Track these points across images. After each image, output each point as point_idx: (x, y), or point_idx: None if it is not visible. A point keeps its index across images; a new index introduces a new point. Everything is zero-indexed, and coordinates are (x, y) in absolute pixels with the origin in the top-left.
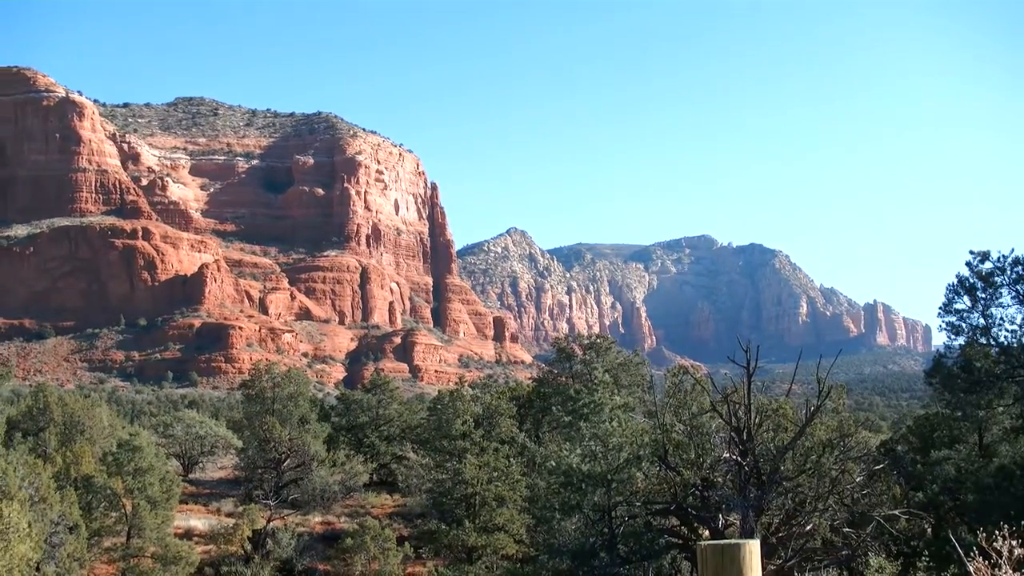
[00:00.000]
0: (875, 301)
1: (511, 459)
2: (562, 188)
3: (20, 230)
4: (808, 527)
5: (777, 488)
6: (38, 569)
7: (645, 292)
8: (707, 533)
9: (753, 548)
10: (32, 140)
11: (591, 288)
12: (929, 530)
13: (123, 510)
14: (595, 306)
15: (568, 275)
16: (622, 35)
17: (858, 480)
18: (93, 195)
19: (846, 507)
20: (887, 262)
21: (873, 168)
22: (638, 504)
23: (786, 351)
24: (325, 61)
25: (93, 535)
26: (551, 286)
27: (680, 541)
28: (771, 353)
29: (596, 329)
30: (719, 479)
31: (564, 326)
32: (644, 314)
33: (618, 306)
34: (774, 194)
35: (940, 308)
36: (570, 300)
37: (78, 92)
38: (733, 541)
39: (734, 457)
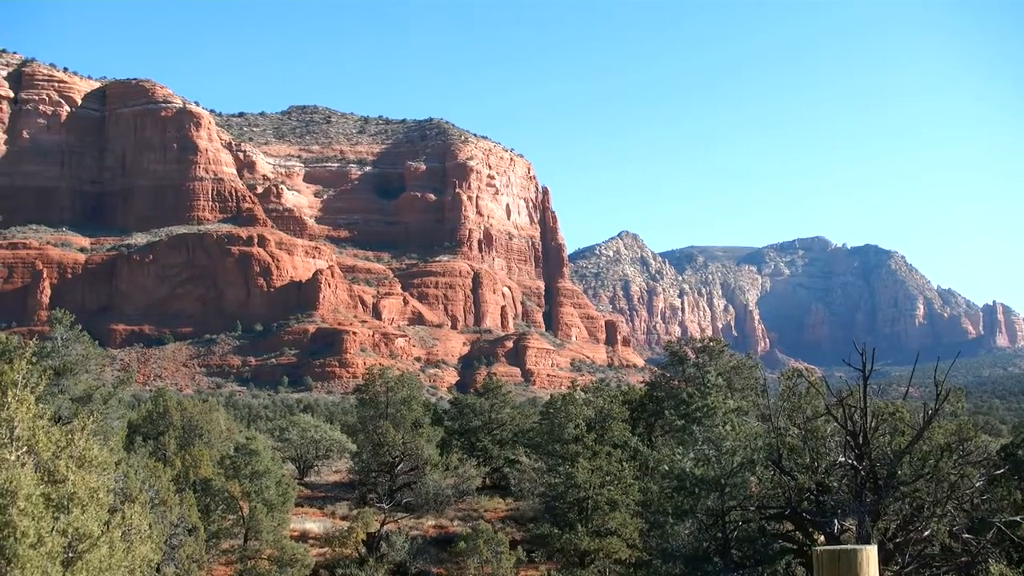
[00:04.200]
0: (994, 302)
1: (624, 463)
2: (674, 191)
3: (140, 238)
4: (926, 533)
5: (894, 493)
6: (158, 570)
7: (758, 294)
8: (822, 538)
9: (870, 554)
10: (151, 150)
11: (703, 291)
12: None
13: (240, 513)
14: (707, 309)
15: (680, 278)
16: (731, 36)
17: (978, 485)
18: (210, 203)
19: (965, 513)
20: (1007, 262)
21: (991, 165)
22: (752, 509)
23: (902, 354)
24: (436, 68)
25: (211, 537)
26: (663, 289)
27: (795, 546)
28: (887, 356)
29: (708, 332)
30: (834, 484)
31: (676, 329)
32: (757, 317)
33: (731, 309)
34: (889, 194)
35: None
36: (682, 303)
37: (195, 103)
38: (850, 547)
39: (850, 461)
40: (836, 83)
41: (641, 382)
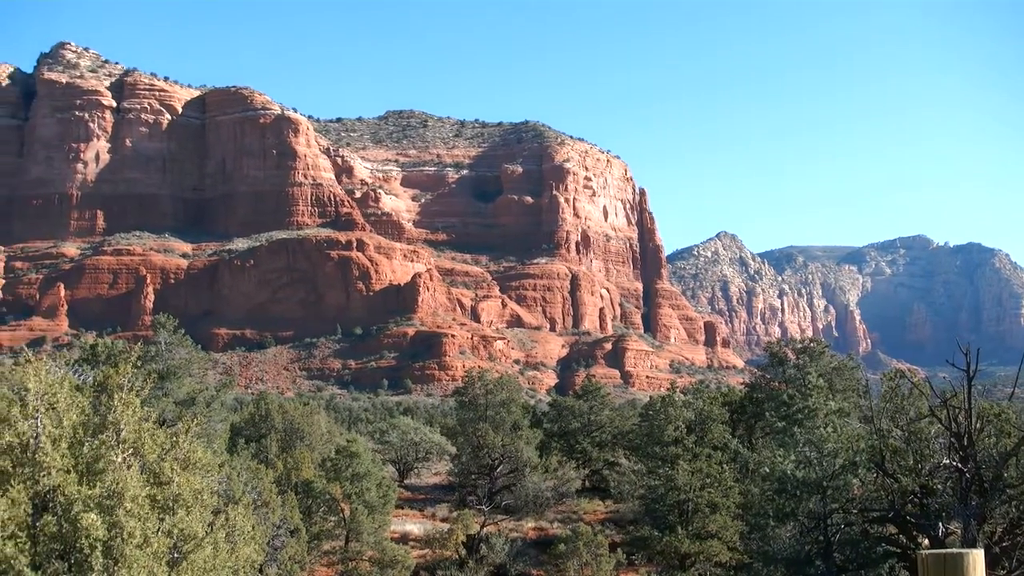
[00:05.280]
0: None
1: (724, 465)
2: (772, 190)
3: (241, 243)
4: None
5: (1000, 496)
6: (261, 571)
7: (859, 294)
8: (927, 542)
9: (977, 558)
10: (251, 156)
11: (803, 291)
12: None
13: (341, 514)
14: (807, 309)
15: (779, 278)
16: (836, 36)
17: None
18: (309, 208)
19: None
20: None
21: None
22: (854, 511)
23: (1008, 353)
24: (531, 71)
25: (313, 538)
26: (762, 290)
27: (898, 550)
28: (991, 356)
29: (808, 333)
30: (939, 486)
31: (776, 330)
32: (858, 317)
33: (831, 309)
34: (992, 191)
35: None
36: (782, 304)
37: (293, 109)
38: (955, 550)
39: (954, 464)
40: (936, 77)
41: (741, 384)
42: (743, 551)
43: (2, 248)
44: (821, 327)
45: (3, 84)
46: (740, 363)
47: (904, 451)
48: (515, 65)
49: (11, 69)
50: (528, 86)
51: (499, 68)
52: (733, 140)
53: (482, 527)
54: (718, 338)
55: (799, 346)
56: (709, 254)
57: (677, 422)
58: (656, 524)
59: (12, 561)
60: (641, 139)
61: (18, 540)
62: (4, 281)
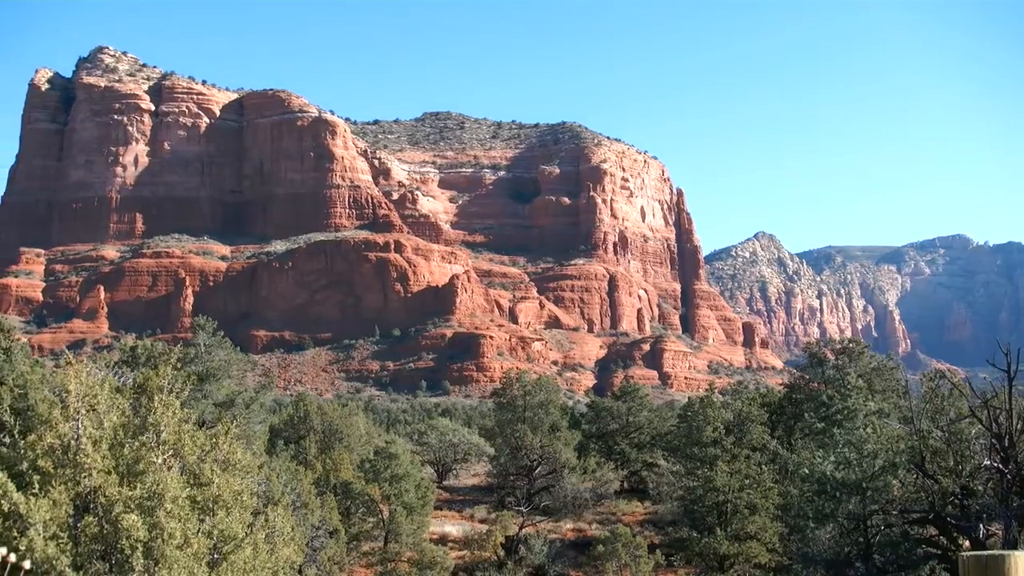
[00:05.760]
0: None
1: (763, 466)
2: (810, 190)
3: (279, 246)
4: None
5: None
6: (300, 572)
7: (898, 295)
8: (967, 544)
9: (1019, 560)
10: (288, 159)
11: (842, 291)
12: None
13: (380, 515)
14: (846, 310)
15: (818, 278)
16: (871, 31)
17: None
18: (347, 210)
19: None
20: None
21: None
22: (894, 513)
23: None
24: (568, 71)
25: (352, 539)
26: (801, 290)
27: (939, 552)
28: None
29: (848, 333)
30: (979, 487)
31: (815, 331)
32: (897, 317)
33: (870, 309)
34: None
35: None
36: (820, 304)
37: (330, 111)
38: (997, 552)
39: (995, 465)
40: (977, 72)
41: (780, 384)
42: (782, 552)
43: (43, 251)
44: (860, 327)
45: (43, 89)
46: (779, 364)
47: (944, 452)
48: (552, 66)
49: (50, 74)
50: (565, 87)
51: (536, 69)
52: (771, 139)
53: (520, 528)
54: (757, 339)
55: (838, 347)
56: (747, 254)
57: (716, 423)
58: (695, 525)
59: (54, 561)
60: (678, 139)
61: (60, 541)
62: (45, 284)
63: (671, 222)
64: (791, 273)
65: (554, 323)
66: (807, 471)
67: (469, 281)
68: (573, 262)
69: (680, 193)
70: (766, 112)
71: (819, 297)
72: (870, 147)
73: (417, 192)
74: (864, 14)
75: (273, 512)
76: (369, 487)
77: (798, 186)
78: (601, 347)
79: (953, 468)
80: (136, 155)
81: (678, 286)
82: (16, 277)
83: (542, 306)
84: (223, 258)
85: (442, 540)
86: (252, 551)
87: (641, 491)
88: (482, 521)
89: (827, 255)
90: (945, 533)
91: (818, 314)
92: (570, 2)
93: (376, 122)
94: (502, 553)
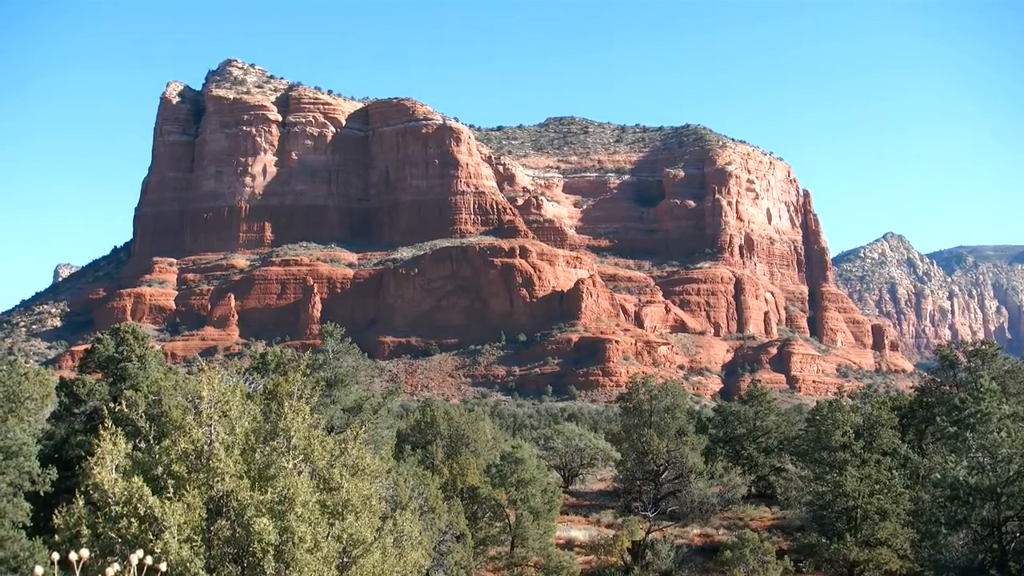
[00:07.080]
0: None
1: (893, 471)
2: (940, 188)
3: (405, 252)
4: None
5: None
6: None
7: None
8: None
9: None
10: (413, 166)
11: (974, 292)
12: None
13: (507, 520)
14: (978, 311)
15: (949, 279)
16: (1003, 27)
17: None
18: (471, 216)
19: None
20: None
21: None
22: None
23: None
24: (692, 74)
25: (479, 544)
26: (931, 291)
27: None
28: None
29: (980, 335)
30: None
31: (946, 333)
32: None
33: (1003, 310)
34: None
35: None
36: (952, 305)
37: (454, 119)
38: None
39: None
40: None
41: (910, 388)
42: (914, 559)
43: (175, 261)
44: (993, 329)
45: (174, 102)
46: (909, 367)
47: None
48: (675, 69)
49: (181, 87)
50: (689, 89)
51: (659, 72)
52: (899, 137)
53: (647, 533)
54: (886, 341)
55: (971, 348)
56: (876, 255)
57: (845, 427)
58: (824, 531)
59: (188, 564)
60: (805, 140)
61: (194, 543)
62: (177, 293)
63: (798, 224)
64: (921, 274)
65: (680, 327)
66: (939, 476)
67: (594, 286)
68: (699, 265)
69: (807, 194)
70: (894, 109)
71: (950, 298)
72: (1002, 143)
73: (541, 197)
74: (996, 9)
75: (401, 516)
76: (496, 492)
77: (928, 185)
78: (728, 351)
79: None
80: (264, 165)
81: (805, 288)
82: (150, 286)
83: (668, 310)
84: (350, 265)
85: (568, 545)
86: (381, 555)
87: (769, 496)
88: (608, 526)
89: (958, 255)
90: None
91: (949, 315)
92: (695, 4)
93: (500, 128)
94: (629, 558)
